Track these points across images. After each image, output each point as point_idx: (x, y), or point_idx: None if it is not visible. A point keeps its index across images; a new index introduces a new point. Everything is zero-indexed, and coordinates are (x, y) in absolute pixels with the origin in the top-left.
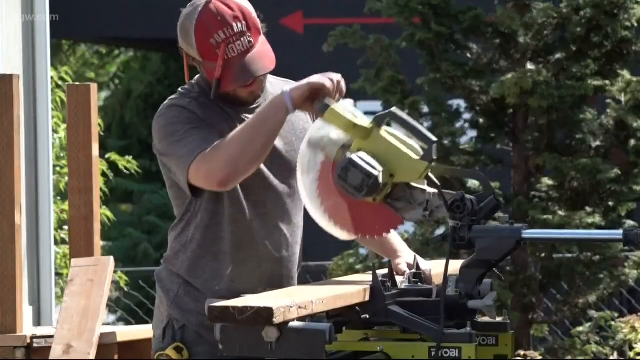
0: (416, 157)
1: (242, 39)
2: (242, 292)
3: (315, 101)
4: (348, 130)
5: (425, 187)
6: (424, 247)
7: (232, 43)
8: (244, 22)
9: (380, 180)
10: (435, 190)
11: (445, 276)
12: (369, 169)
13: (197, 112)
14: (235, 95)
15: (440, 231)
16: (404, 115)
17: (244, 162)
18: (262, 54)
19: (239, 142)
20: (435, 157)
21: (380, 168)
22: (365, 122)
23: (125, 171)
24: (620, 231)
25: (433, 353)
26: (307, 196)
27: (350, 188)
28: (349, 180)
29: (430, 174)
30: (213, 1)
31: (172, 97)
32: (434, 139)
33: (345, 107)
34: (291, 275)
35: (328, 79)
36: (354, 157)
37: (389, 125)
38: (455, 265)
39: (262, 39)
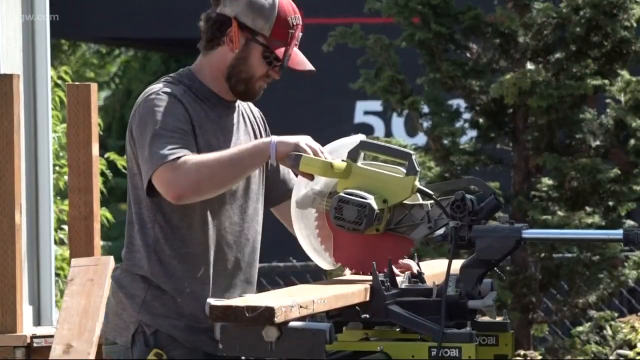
0: (401, 175)
1: (300, 32)
2: (213, 295)
3: (285, 158)
4: (327, 173)
5: (421, 201)
6: (424, 247)
7: (300, 30)
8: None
9: (375, 206)
10: (432, 201)
11: (447, 276)
12: (360, 200)
13: (187, 108)
14: (254, 85)
15: (440, 231)
16: (373, 140)
17: (207, 187)
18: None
19: (212, 168)
20: (418, 169)
21: (370, 196)
22: (340, 161)
23: (124, 171)
24: (620, 231)
25: (433, 353)
26: (319, 258)
27: (349, 224)
28: (345, 217)
29: (420, 186)
30: None
31: (164, 81)
32: (411, 151)
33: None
34: (252, 281)
35: (311, 148)
36: (342, 194)
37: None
38: (455, 265)
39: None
